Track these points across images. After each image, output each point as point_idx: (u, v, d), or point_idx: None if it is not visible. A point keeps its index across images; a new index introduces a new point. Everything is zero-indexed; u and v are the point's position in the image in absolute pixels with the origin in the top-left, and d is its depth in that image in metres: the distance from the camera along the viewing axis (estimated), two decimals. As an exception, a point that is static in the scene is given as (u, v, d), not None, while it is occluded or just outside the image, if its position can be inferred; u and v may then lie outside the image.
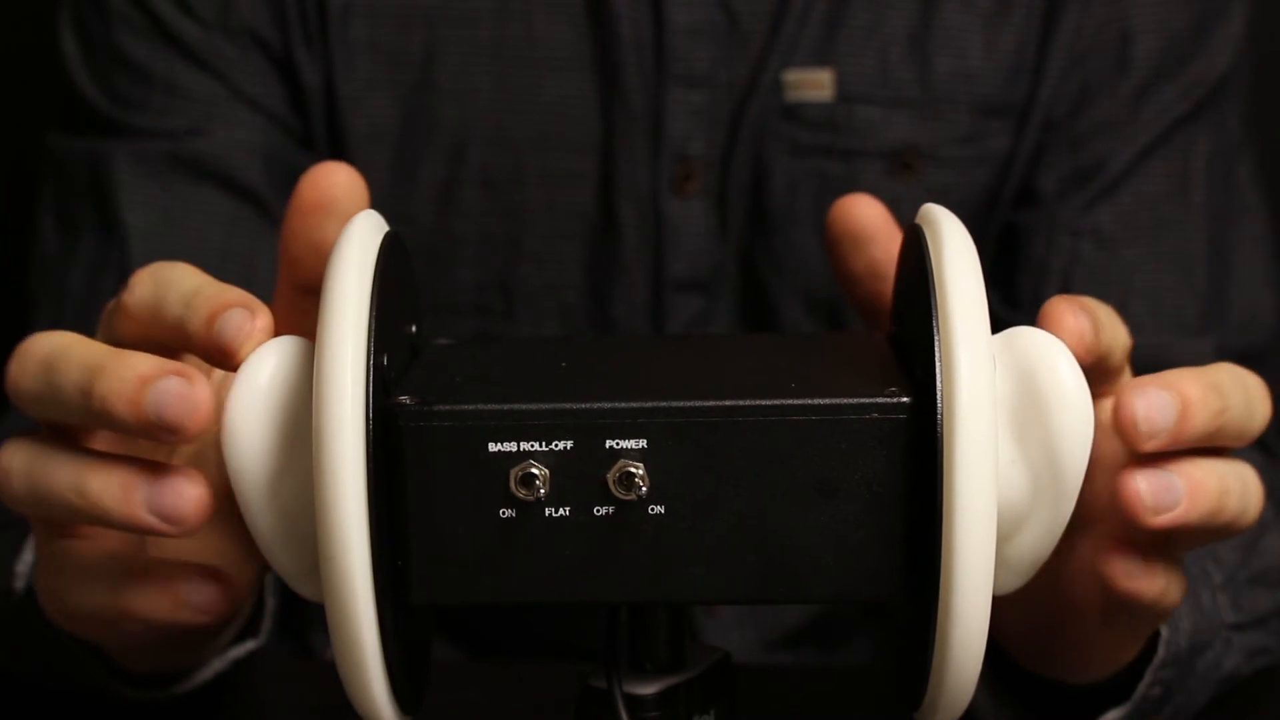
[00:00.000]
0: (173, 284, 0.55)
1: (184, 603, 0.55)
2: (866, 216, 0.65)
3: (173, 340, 0.54)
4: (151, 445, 0.58)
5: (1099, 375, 0.57)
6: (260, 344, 0.53)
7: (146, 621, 0.56)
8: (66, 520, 0.56)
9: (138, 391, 0.51)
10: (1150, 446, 0.54)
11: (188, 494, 0.53)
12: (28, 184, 0.95)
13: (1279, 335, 0.92)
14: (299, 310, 0.60)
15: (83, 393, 0.52)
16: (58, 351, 0.54)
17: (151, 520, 0.53)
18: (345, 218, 0.57)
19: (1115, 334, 0.57)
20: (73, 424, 0.55)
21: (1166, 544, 0.57)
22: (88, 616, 0.57)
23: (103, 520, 0.53)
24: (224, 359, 0.53)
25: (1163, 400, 0.54)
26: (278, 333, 0.56)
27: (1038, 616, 0.63)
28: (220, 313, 0.53)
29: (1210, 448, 0.56)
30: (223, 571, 0.56)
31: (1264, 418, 0.57)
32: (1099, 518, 0.59)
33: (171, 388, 0.51)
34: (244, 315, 0.53)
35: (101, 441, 0.57)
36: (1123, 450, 0.58)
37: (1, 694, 0.74)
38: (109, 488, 0.53)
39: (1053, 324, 0.55)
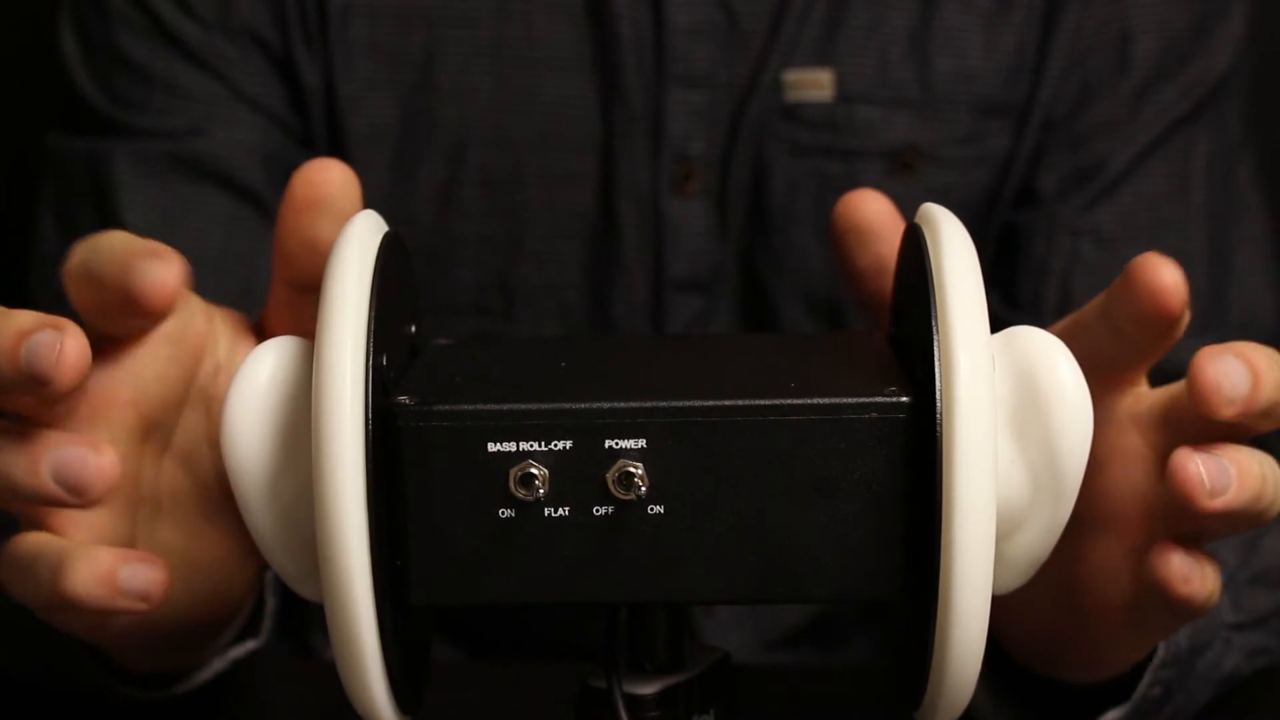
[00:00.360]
0: (101, 245, 0.56)
1: (121, 589, 0.55)
2: (872, 212, 0.65)
3: (104, 298, 0.55)
4: (134, 442, 0.58)
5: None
6: (170, 290, 0.54)
7: (83, 607, 0.55)
8: None
9: (15, 345, 0.52)
10: (1228, 413, 0.54)
11: (92, 462, 0.53)
12: (28, 184, 0.95)
13: (1279, 335, 0.92)
14: (294, 308, 0.60)
15: None
16: None
17: (56, 489, 0.54)
18: (339, 215, 0.57)
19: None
20: None
21: (1199, 537, 0.57)
22: (34, 605, 0.57)
23: (12, 492, 0.54)
24: (135, 309, 0.54)
25: (1238, 368, 0.54)
26: (274, 331, 0.56)
27: (1049, 620, 0.63)
28: (139, 260, 0.54)
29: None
30: (157, 560, 0.56)
31: None
32: (1119, 519, 0.59)
33: (42, 339, 0.52)
34: (159, 264, 0.54)
35: (55, 422, 0.57)
36: (1146, 444, 0.58)
37: (1, 694, 0.74)
38: (17, 459, 0.54)
39: (1198, 378, 0.55)
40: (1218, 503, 0.54)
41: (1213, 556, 0.57)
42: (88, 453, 0.54)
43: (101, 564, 0.54)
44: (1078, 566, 0.60)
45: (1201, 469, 0.54)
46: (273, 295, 0.61)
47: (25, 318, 0.53)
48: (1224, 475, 0.54)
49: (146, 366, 0.58)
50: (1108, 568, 0.59)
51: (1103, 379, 0.58)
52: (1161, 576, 0.56)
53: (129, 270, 0.54)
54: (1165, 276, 0.56)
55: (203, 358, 0.59)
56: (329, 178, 0.59)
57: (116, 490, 0.55)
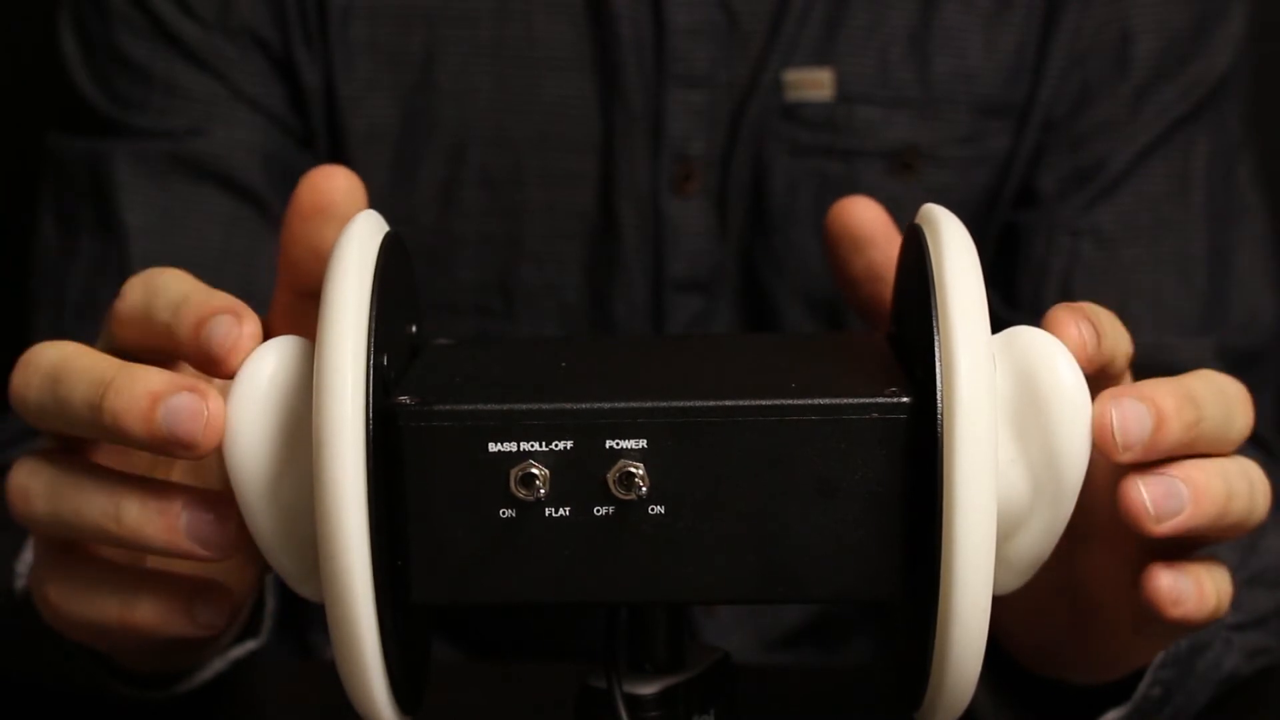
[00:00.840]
0: (162, 290, 0.55)
1: (194, 619, 0.55)
2: (866, 219, 0.65)
3: (164, 347, 0.54)
4: (150, 456, 0.58)
5: (1101, 382, 0.57)
6: (248, 351, 0.52)
7: (152, 635, 0.56)
8: (93, 542, 0.56)
9: (150, 408, 0.51)
10: (1126, 458, 0.53)
11: (226, 519, 0.53)
12: (28, 184, 0.95)
13: (1279, 335, 0.92)
14: (299, 314, 0.60)
15: (92, 408, 0.52)
16: (63, 363, 0.53)
17: (191, 546, 0.53)
18: (344, 221, 0.57)
19: (1117, 341, 0.57)
20: (80, 437, 0.55)
21: (1186, 547, 0.57)
22: (92, 628, 0.57)
23: (140, 547, 0.54)
24: (213, 367, 0.53)
25: (1138, 411, 0.53)
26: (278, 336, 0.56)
27: (1054, 624, 0.62)
28: (208, 320, 0.53)
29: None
30: (226, 586, 0.56)
31: (1244, 425, 0.56)
32: (1109, 530, 0.58)
33: (184, 404, 0.51)
34: (231, 322, 0.52)
35: (105, 453, 0.57)
36: None
37: (1, 694, 0.74)
38: (148, 514, 0.53)
39: (1055, 332, 0.54)
40: (1166, 527, 0.53)
41: (1215, 560, 0.57)
42: (224, 508, 0.53)
43: (186, 600, 0.55)
44: (1079, 573, 0.60)
45: (1145, 496, 0.53)
46: (276, 301, 0.61)
47: (155, 378, 0.52)
48: (1173, 499, 0.53)
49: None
50: (1107, 576, 0.59)
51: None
52: (1152, 601, 0.55)
53: (204, 328, 0.53)
54: (1073, 338, 0.54)
55: None
56: (335, 184, 0.59)
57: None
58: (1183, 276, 0.90)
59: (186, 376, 0.52)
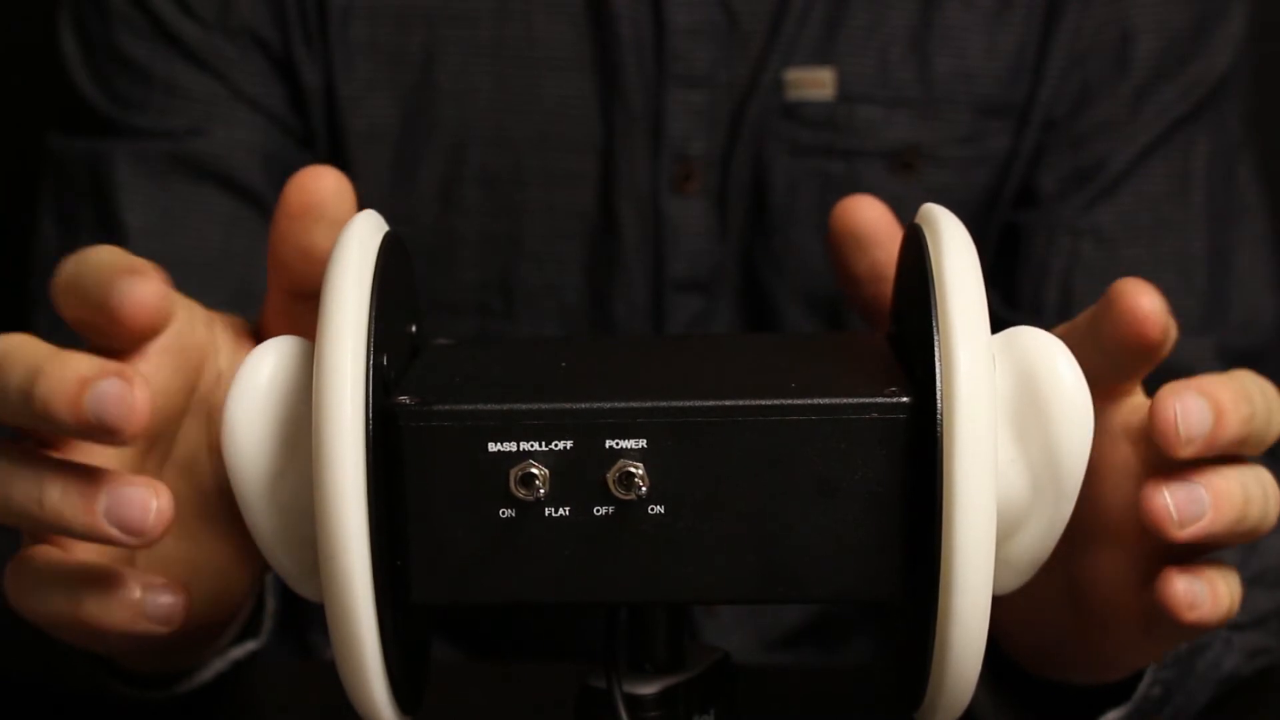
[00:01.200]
0: (88, 261, 0.55)
1: (144, 614, 0.54)
2: (869, 218, 0.65)
3: (89, 318, 0.55)
4: (136, 452, 0.58)
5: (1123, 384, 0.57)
6: (149, 297, 0.53)
7: (105, 631, 0.55)
8: (32, 530, 0.56)
9: (77, 392, 0.51)
10: (1187, 453, 0.54)
11: (149, 505, 0.52)
12: (28, 184, 0.95)
13: (1279, 335, 0.92)
14: (293, 314, 0.60)
15: (24, 394, 0.52)
16: (5, 353, 0.53)
17: (113, 532, 0.52)
18: (333, 222, 0.57)
19: (1271, 415, 0.57)
20: (21, 426, 0.54)
21: (1196, 550, 0.57)
22: (47, 623, 0.56)
23: (65, 530, 0.53)
24: (112, 326, 0.54)
25: (1199, 406, 0.54)
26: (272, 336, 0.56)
27: (1060, 627, 0.62)
28: (119, 279, 0.53)
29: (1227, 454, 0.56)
30: (184, 583, 0.55)
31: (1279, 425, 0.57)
32: (1119, 531, 0.58)
33: (110, 389, 0.51)
34: (133, 281, 0.53)
35: (76, 450, 0.56)
36: (1137, 457, 0.57)
37: (1, 694, 0.74)
38: (68, 498, 0.52)
39: (1153, 414, 0.55)
40: (1188, 533, 0.54)
41: (1223, 564, 0.57)
42: (149, 495, 0.52)
43: (130, 593, 0.54)
44: (1086, 575, 0.60)
45: (1169, 501, 0.54)
46: (269, 302, 0.61)
47: (84, 363, 0.51)
48: (1195, 505, 0.54)
49: (151, 378, 0.58)
50: (1115, 578, 0.59)
51: (1095, 391, 0.58)
52: (1168, 605, 0.55)
53: (110, 289, 0.53)
54: (1144, 303, 0.55)
55: (204, 367, 0.59)
56: (323, 184, 0.58)
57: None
58: (1183, 276, 0.90)
59: (115, 363, 0.51)
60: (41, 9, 1.00)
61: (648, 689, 0.55)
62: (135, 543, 0.52)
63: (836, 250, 0.66)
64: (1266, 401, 0.56)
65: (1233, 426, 0.54)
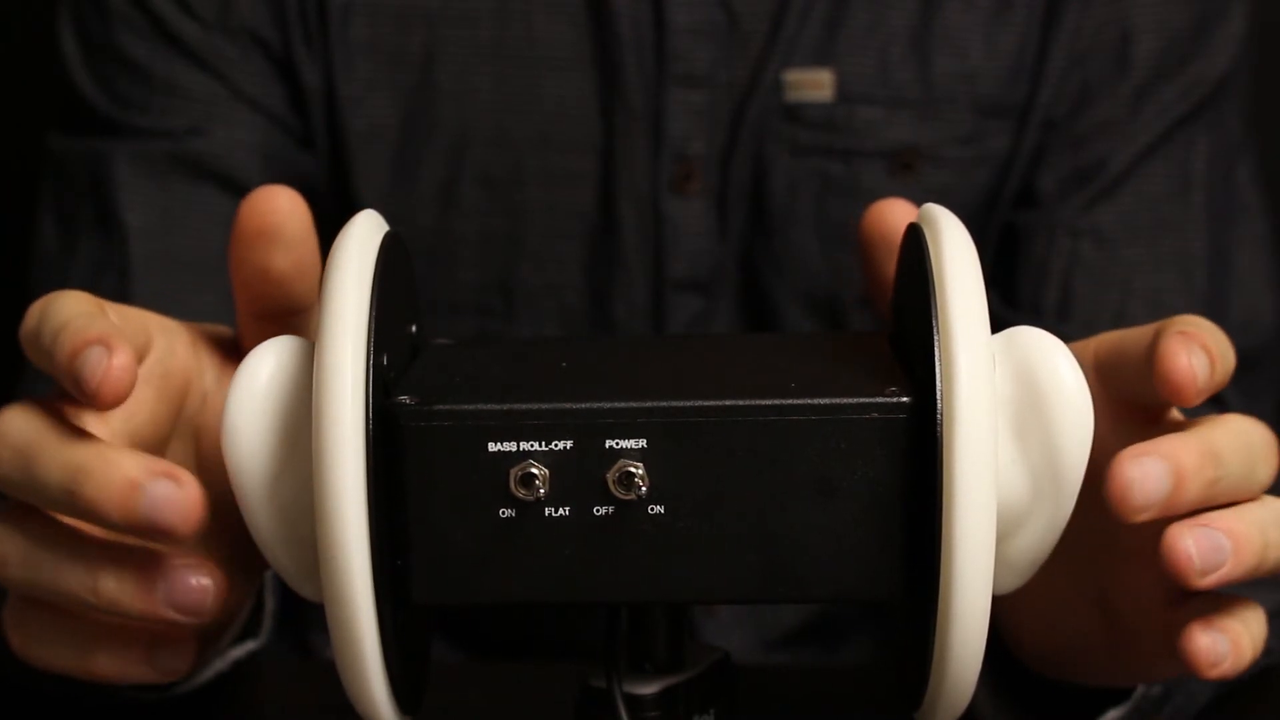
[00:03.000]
0: (51, 315, 0.54)
1: (155, 667, 0.55)
2: (902, 222, 0.64)
3: (54, 374, 0.54)
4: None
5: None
6: (120, 383, 0.51)
7: (113, 682, 0.56)
8: (71, 609, 0.56)
9: (128, 497, 0.51)
10: (1140, 519, 0.53)
11: (207, 587, 0.53)
12: (28, 184, 0.95)
13: (1279, 335, 0.92)
14: (262, 336, 0.59)
15: (69, 494, 0.52)
16: (36, 441, 0.53)
17: (170, 614, 0.53)
18: (288, 242, 0.57)
19: (1227, 362, 0.56)
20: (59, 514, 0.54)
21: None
22: (53, 672, 0.57)
23: (121, 616, 0.54)
24: (86, 400, 0.52)
25: (1158, 471, 0.53)
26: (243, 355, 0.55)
27: (1083, 632, 0.62)
28: (81, 350, 0.52)
29: None
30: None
31: (1268, 475, 0.56)
32: (1143, 550, 0.56)
33: (163, 492, 0.51)
34: (100, 354, 0.52)
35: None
36: None
37: (1, 694, 0.74)
38: (125, 587, 0.53)
39: (1165, 365, 0.53)
40: (1209, 580, 0.53)
41: (1248, 604, 0.56)
42: (204, 576, 0.53)
43: (143, 651, 0.55)
44: (1119, 587, 0.60)
45: (1193, 549, 0.53)
46: (240, 321, 0.61)
47: (132, 465, 0.51)
48: (1217, 553, 0.53)
49: (138, 411, 0.58)
50: (1141, 593, 0.59)
51: (1131, 412, 0.58)
52: (1190, 662, 0.54)
53: (76, 361, 0.52)
54: (1181, 370, 0.54)
55: (189, 390, 0.59)
56: (275, 206, 0.57)
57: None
58: (1183, 277, 0.90)
59: (160, 461, 0.52)
60: (41, 9, 1.00)
61: (648, 689, 0.55)
62: (194, 622, 0.53)
63: (867, 255, 0.64)
64: (1248, 454, 0.55)
65: (1192, 492, 0.53)
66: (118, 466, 0.51)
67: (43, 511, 0.55)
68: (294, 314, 0.59)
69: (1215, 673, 0.54)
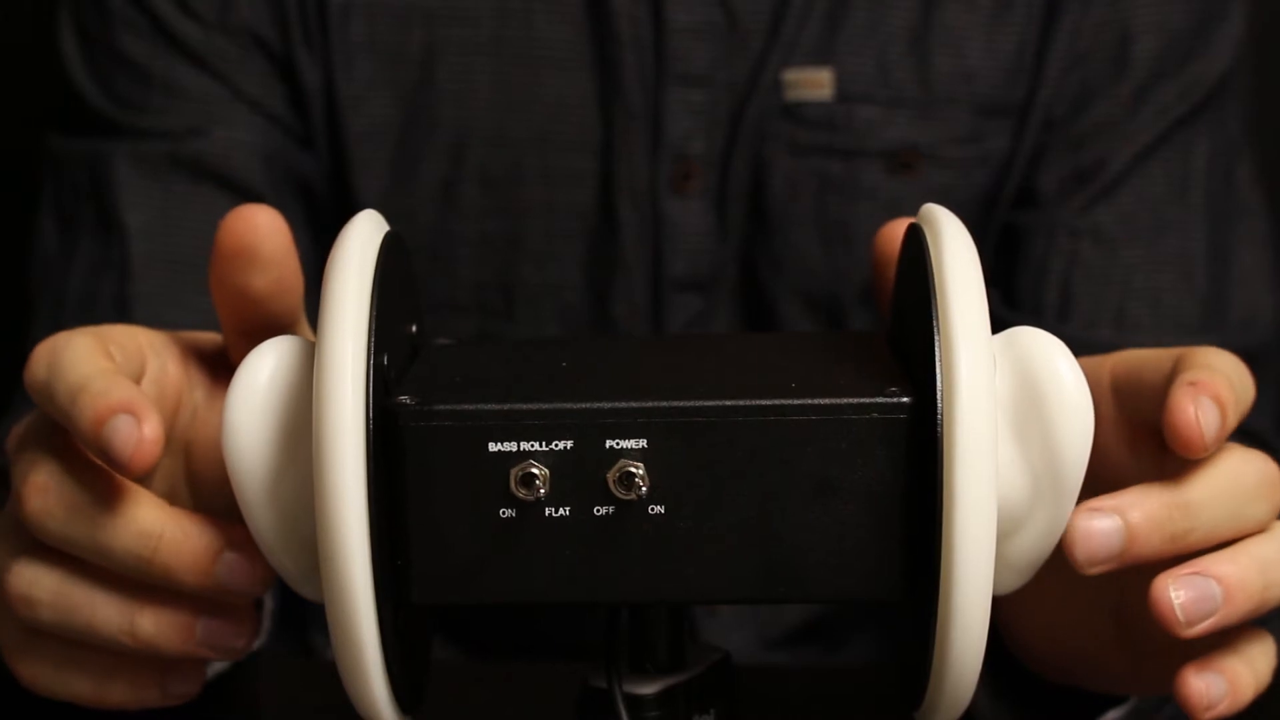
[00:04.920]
0: (63, 372, 0.54)
1: (167, 692, 0.56)
2: None
3: (74, 433, 0.54)
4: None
5: None
6: (151, 454, 0.52)
7: (126, 708, 0.56)
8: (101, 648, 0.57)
9: (208, 566, 0.53)
10: (1093, 572, 0.53)
11: (243, 628, 0.55)
12: (28, 184, 0.95)
13: (1279, 335, 0.92)
14: (246, 351, 0.59)
15: (142, 560, 0.53)
16: (110, 524, 0.54)
17: (209, 654, 0.55)
18: (267, 261, 0.57)
19: (1243, 407, 0.55)
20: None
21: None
22: (65, 700, 0.57)
23: (157, 656, 0.55)
24: (115, 468, 0.52)
25: (1107, 526, 0.53)
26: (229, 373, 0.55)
27: (1098, 640, 0.61)
28: (106, 419, 0.52)
29: None
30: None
31: (1268, 510, 0.55)
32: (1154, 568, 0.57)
33: (235, 564, 0.53)
34: (130, 424, 0.52)
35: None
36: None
37: (1, 694, 0.74)
38: (163, 629, 0.54)
39: (1172, 417, 0.53)
40: (1197, 630, 0.53)
41: (1255, 636, 0.56)
42: (241, 619, 0.55)
43: (156, 681, 0.57)
44: (1130, 599, 0.59)
45: (1179, 599, 0.52)
46: (227, 340, 0.60)
47: (208, 536, 0.53)
48: (1207, 602, 0.53)
49: None
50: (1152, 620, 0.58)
51: (1149, 434, 0.57)
52: (1184, 705, 0.54)
53: (102, 429, 0.52)
54: (1189, 426, 0.53)
55: (180, 406, 0.59)
56: (255, 224, 0.57)
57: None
58: (1182, 277, 0.90)
59: (237, 528, 0.53)
60: (41, 9, 1.00)
61: (648, 689, 0.55)
62: (232, 659, 0.55)
63: (879, 273, 0.63)
64: (1233, 499, 0.54)
65: (1152, 544, 0.53)
66: (195, 536, 0.54)
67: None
68: (277, 331, 0.59)
69: (1210, 715, 0.54)
